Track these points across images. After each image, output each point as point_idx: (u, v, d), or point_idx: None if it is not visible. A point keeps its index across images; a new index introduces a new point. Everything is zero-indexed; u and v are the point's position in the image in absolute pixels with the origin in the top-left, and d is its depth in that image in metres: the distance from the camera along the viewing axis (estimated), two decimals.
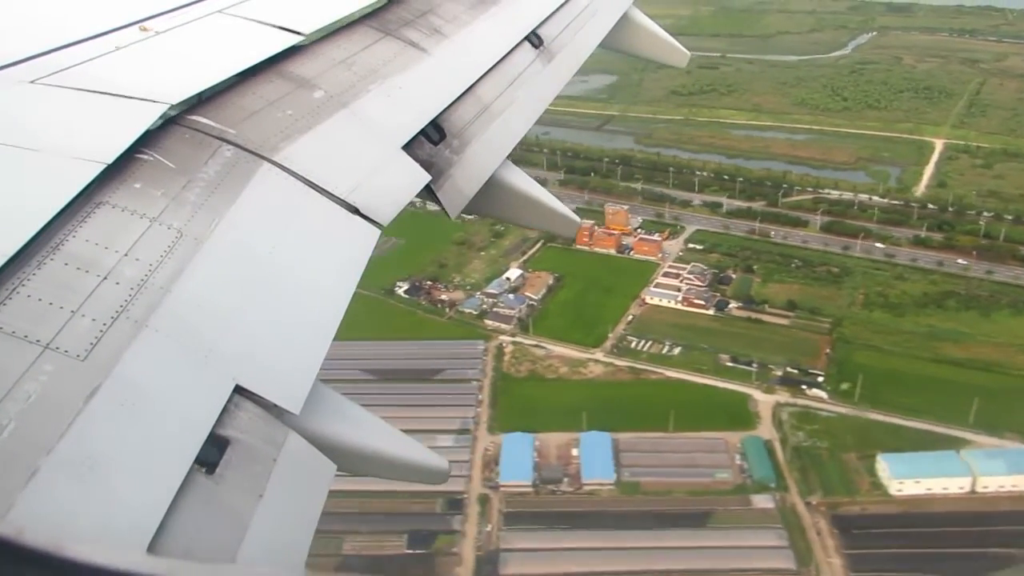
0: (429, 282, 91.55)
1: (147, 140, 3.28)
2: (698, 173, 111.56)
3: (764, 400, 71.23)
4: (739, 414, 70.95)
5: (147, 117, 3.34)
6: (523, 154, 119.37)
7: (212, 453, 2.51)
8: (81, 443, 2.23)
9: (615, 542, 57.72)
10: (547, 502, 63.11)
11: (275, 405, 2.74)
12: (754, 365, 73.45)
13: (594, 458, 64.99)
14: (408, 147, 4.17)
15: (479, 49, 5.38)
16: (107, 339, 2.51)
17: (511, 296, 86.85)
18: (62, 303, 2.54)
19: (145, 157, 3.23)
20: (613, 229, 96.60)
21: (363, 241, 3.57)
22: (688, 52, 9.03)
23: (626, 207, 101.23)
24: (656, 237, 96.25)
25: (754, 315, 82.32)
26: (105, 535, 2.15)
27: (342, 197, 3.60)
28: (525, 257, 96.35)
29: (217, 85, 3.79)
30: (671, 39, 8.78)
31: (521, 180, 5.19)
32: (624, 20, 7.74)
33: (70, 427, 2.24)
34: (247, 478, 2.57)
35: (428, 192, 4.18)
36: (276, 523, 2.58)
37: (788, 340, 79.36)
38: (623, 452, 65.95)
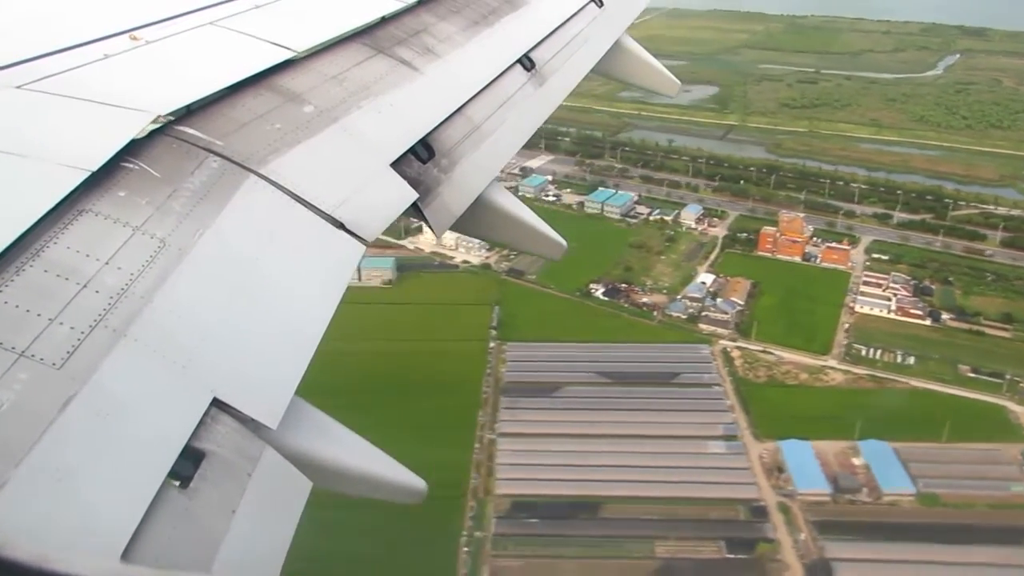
0: (624, 285, 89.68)
1: (133, 149, 3.25)
2: (852, 185, 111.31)
3: (1022, 412, 70.60)
4: (1001, 425, 70.19)
5: (134, 126, 3.31)
6: (663, 160, 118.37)
7: (187, 466, 2.47)
8: (54, 453, 2.19)
9: (941, 555, 56.45)
10: (849, 511, 62.06)
11: (252, 419, 2.69)
12: (1007, 376, 72.85)
13: (886, 468, 63.73)
14: (397, 164, 4.15)
15: (471, 70, 5.37)
16: (84, 348, 2.47)
17: (719, 300, 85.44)
18: (40, 310, 2.50)
19: (130, 166, 3.19)
20: (793, 237, 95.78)
21: (347, 257, 3.53)
22: (679, 82, 9.03)
23: (801, 215, 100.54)
24: (845, 246, 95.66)
25: (973, 327, 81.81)
26: (76, 546, 2.12)
27: (328, 212, 3.56)
28: (709, 262, 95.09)
29: (206, 97, 3.75)
30: (662, 68, 8.82)
31: (508, 201, 5.15)
32: (617, 47, 7.75)
33: (43, 436, 2.20)
34: (221, 493, 2.53)
35: (415, 210, 4.15)
36: (249, 539, 2.54)
37: (1017, 352, 78.91)
38: (908, 462, 64.83)
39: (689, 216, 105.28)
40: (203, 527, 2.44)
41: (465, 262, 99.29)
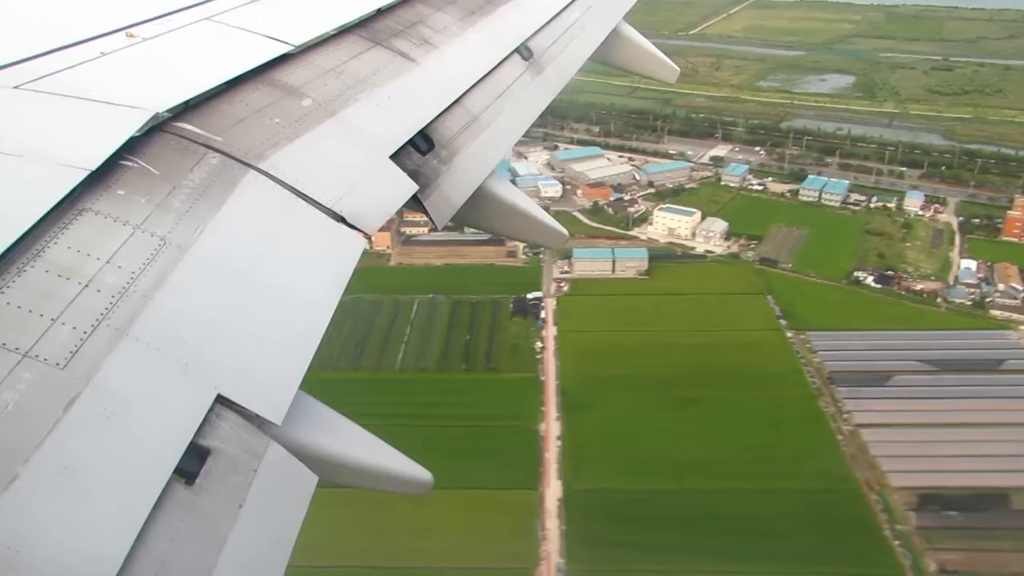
0: (891, 272, 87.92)
1: (132, 147, 3.23)
2: None
3: None
4: None
5: (132, 124, 3.29)
6: (852, 148, 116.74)
7: (192, 463, 2.48)
8: (58, 452, 2.20)
9: None
10: None
11: (257, 415, 2.70)
12: None
13: None
14: (396, 157, 4.12)
15: (468, 60, 5.33)
16: (87, 347, 2.47)
17: (1001, 286, 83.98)
18: (42, 311, 2.51)
19: (129, 164, 3.18)
20: None
21: (349, 250, 3.52)
22: (678, 68, 8.97)
23: None
24: None
25: None
26: (82, 546, 2.14)
27: (328, 206, 3.55)
28: (956, 248, 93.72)
29: (204, 93, 3.73)
30: (661, 55, 8.75)
31: (508, 191, 5.12)
32: (614, 35, 7.69)
33: (48, 436, 2.22)
34: (227, 489, 2.54)
35: (415, 202, 4.13)
36: (255, 535, 2.56)
37: None
38: None
39: (913, 203, 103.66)
40: (209, 523, 2.45)
41: (709, 251, 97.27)
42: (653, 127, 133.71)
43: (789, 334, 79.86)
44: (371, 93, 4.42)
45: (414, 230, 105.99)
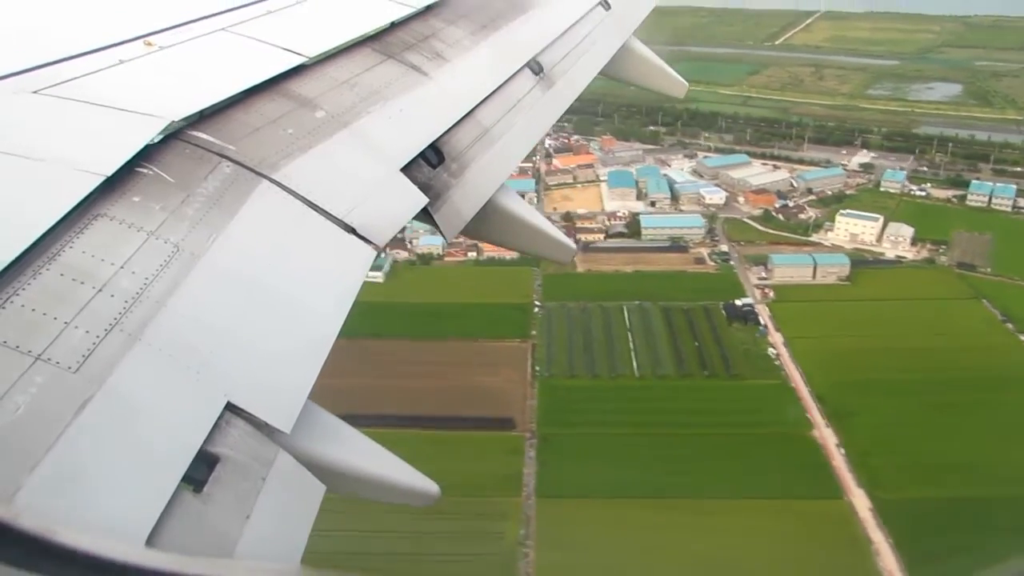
0: None
1: (147, 154, 3.27)
2: None
3: None
4: None
5: (148, 131, 3.33)
6: (1000, 154, 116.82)
7: (201, 470, 2.49)
8: (69, 456, 2.22)
9: None
10: None
11: (266, 424, 2.71)
12: None
13: None
14: (407, 169, 4.14)
15: (480, 74, 5.36)
16: (100, 351, 2.48)
17: None
18: (56, 314, 2.53)
19: (145, 171, 3.22)
20: None
21: (359, 261, 3.54)
22: (686, 83, 9.08)
23: None
24: None
25: None
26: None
27: (340, 217, 3.57)
28: None
29: (219, 102, 3.76)
30: (670, 69, 8.82)
31: (518, 205, 5.13)
32: (624, 50, 7.74)
33: (59, 439, 2.23)
34: (235, 497, 2.55)
35: (425, 214, 4.13)
36: (263, 543, 2.57)
37: None
38: None
39: None
40: (217, 531, 2.46)
41: (900, 257, 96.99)
42: (787, 135, 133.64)
43: (1021, 337, 79.41)
44: (383, 106, 4.46)
45: (590, 237, 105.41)
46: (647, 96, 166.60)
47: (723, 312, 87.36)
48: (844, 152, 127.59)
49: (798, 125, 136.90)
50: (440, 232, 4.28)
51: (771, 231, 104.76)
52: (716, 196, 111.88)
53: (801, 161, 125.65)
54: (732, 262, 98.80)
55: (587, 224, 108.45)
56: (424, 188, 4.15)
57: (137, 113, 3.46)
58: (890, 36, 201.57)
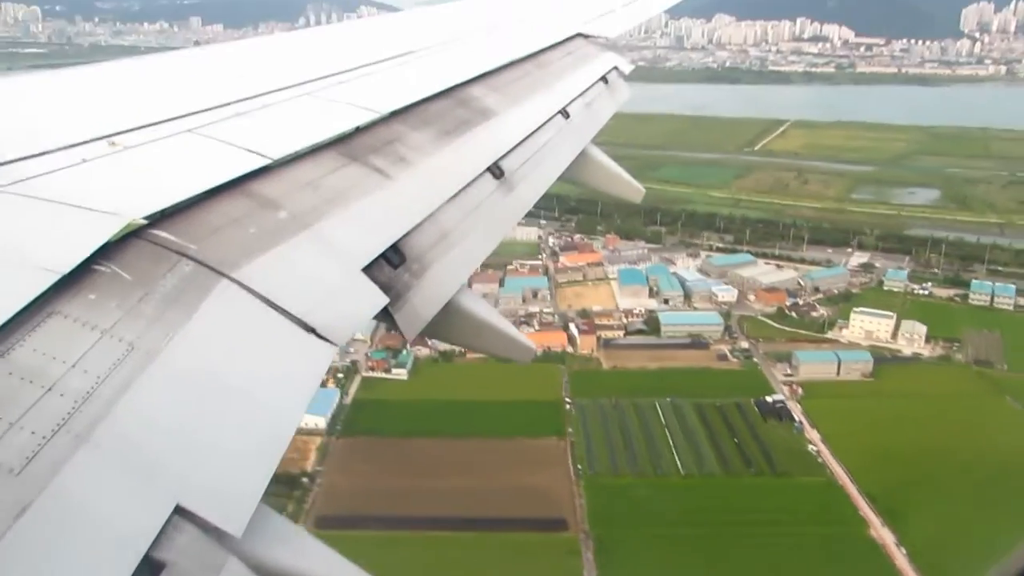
0: None
1: (107, 252, 3.28)
2: None
3: None
4: None
5: (108, 229, 3.34)
6: (992, 255, 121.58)
7: None
8: (8, 562, 2.15)
9: None
10: None
11: (216, 528, 2.65)
12: None
13: None
14: (368, 269, 4.18)
15: (442, 177, 5.50)
16: (45, 453, 2.45)
17: None
18: (2, 414, 2.50)
19: (103, 269, 3.22)
20: None
21: (317, 361, 3.54)
22: (643, 188, 9.37)
23: None
24: None
25: None
26: None
27: (299, 316, 3.57)
28: None
29: (182, 201, 3.81)
30: (627, 175, 9.11)
31: (478, 306, 5.21)
32: (583, 156, 8.06)
33: None
34: None
35: (386, 314, 4.18)
36: None
37: None
38: None
39: None
40: None
41: (916, 354, 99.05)
42: (784, 235, 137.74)
43: None
44: (346, 207, 4.51)
45: (609, 334, 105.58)
46: (645, 197, 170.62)
47: (756, 409, 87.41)
48: (844, 252, 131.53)
49: (794, 226, 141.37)
50: (399, 332, 4.24)
51: (787, 328, 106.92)
52: (728, 294, 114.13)
53: (802, 260, 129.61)
54: (755, 359, 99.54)
55: (605, 321, 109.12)
56: (385, 288, 4.12)
57: (97, 211, 3.43)
58: (862, 144, 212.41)
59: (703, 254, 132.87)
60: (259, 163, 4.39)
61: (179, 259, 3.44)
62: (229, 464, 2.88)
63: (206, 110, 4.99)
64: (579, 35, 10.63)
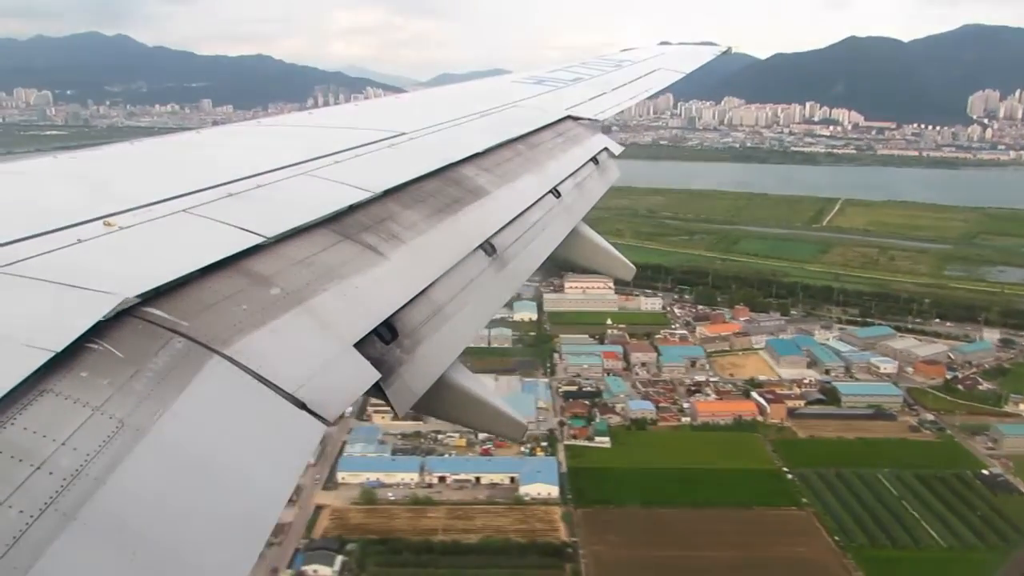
0: None
1: (99, 330, 3.29)
2: None
3: None
4: None
5: (101, 308, 3.36)
6: None
7: None
8: None
9: None
10: None
11: None
12: None
13: None
14: (360, 345, 4.22)
15: (434, 255, 5.56)
16: (32, 532, 2.43)
17: None
18: None
19: (95, 347, 3.23)
20: None
21: (307, 437, 3.55)
22: (633, 267, 9.51)
23: None
24: None
25: None
26: None
27: (290, 392, 3.59)
28: None
29: (175, 280, 3.85)
30: (618, 253, 9.27)
31: (470, 382, 5.25)
32: (574, 234, 8.20)
33: None
34: None
35: (377, 389, 4.22)
36: None
37: None
38: None
39: None
40: None
41: None
42: (908, 309, 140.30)
43: None
44: (338, 284, 4.55)
45: (790, 403, 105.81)
46: (756, 268, 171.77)
47: (979, 482, 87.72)
48: (968, 327, 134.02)
49: (913, 301, 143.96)
50: (391, 406, 4.30)
51: (960, 401, 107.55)
52: (889, 366, 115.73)
53: (936, 335, 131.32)
54: (948, 431, 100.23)
55: (780, 391, 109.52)
56: (376, 363, 4.17)
57: (91, 290, 3.49)
58: (925, 223, 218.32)
59: (835, 326, 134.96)
60: (253, 241, 4.45)
61: (171, 336, 3.47)
62: (217, 542, 2.87)
63: (201, 190, 5.09)
64: (569, 117, 10.95)
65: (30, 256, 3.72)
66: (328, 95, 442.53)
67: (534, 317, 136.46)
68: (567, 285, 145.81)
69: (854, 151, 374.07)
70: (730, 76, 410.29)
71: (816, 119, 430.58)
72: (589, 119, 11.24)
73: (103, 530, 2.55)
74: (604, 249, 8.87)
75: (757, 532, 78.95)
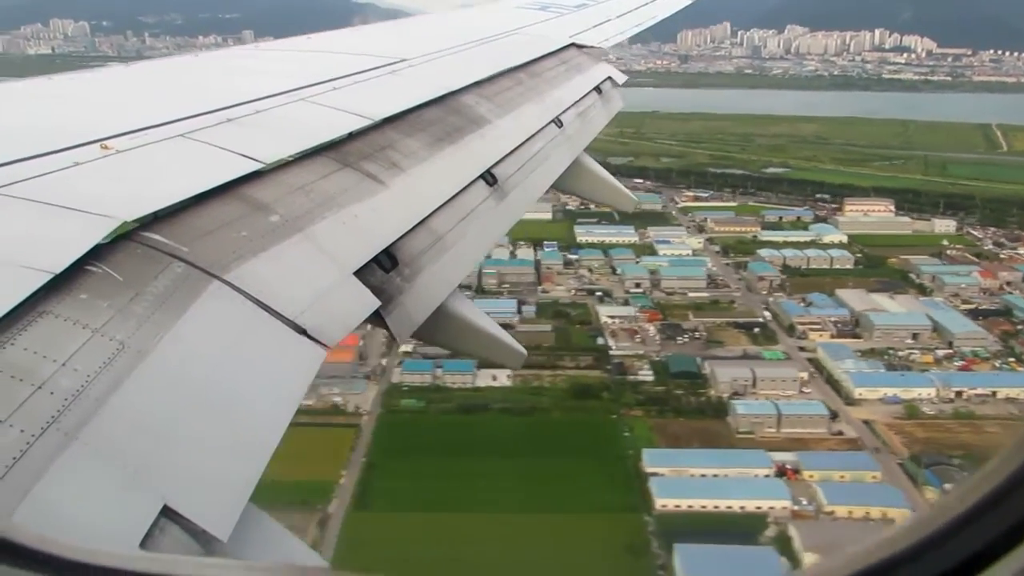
0: None
1: (98, 253, 3.28)
2: None
3: None
4: None
5: (99, 231, 3.34)
6: None
7: None
8: None
9: None
10: None
11: (203, 531, 2.64)
12: None
13: None
14: (360, 273, 4.19)
15: (435, 184, 5.52)
16: (34, 451, 2.44)
17: None
18: None
19: (94, 270, 3.22)
20: None
21: (308, 363, 3.56)
22: (635, 198, 9.79)
23: None
24: None
25: None
26: None
27: (291, 318, 3.59)
28: None
29: (174, 204, 3.81)
30: (619, 184, 9.35)
31: (469, 310, 5.26)
32: (576, 165, 8.14)
33: None
34: None
35: (377, 317, 4.20)
36: None
37: None
38: None
39: None
40: None
41: None
42: None
43: None
44: (338, 211, 4.51)
45: None
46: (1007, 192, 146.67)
47: None
48: None
49: None
50: (391, 334, 4.30)
51: None
52: None
53: None
54: None
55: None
56: (377, 292, 4.16)
57: (89, 213, 3.46)
58: None
59: None
60: (252, 167, 4.42)
61: (170, 261, 3.46)
62: (217, 466, 2.88)
63: (199, 115, 5.03)
64: (573, 45, 10.81)
65: (26, 178, 3.71)
66: (367, 23, 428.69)
67: (843, 240, 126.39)
68: (847, 208, 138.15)
69: (948, 78, 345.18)
70: (787, 2, 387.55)
71: (887, 47, 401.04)
72: (593, 47, 11.26)
73: (104, 451, 2.59)
74: (607, 180, 8.96)
75: None
